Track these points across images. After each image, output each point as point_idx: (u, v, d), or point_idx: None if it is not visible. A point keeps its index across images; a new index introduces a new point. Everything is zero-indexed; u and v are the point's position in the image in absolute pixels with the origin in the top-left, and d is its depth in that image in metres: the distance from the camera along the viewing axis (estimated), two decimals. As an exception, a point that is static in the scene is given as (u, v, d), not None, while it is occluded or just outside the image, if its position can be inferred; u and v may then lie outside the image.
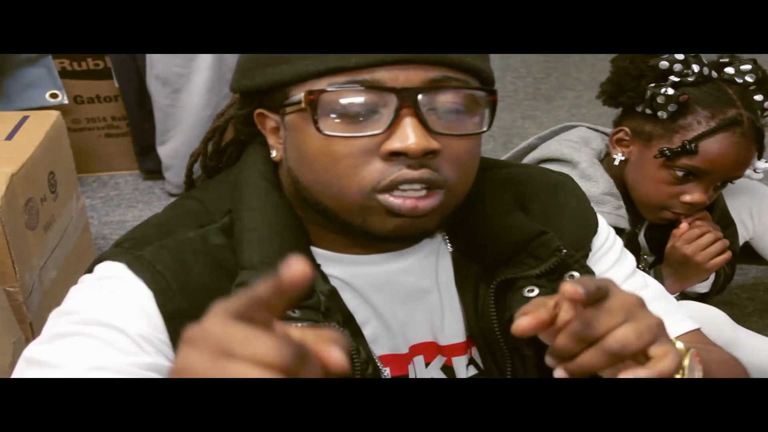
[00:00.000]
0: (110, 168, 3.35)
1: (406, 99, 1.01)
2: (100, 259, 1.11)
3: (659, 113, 1.77)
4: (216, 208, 1.14)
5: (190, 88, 2.92)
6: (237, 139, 1.25)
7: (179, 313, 1.05)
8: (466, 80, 1.06)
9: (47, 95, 2.80)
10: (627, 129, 1.84)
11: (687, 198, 1.78)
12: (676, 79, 1.75)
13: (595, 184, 1.80)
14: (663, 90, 1.75)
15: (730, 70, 1.81)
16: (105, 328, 1.02)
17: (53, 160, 2.25)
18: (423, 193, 1.04)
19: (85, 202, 2.99)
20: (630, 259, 1.30)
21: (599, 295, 0.89)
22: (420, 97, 1.02)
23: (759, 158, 1.81)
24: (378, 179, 1.03)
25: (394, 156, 1.02)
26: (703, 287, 2.03)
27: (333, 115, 1.03)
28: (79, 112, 3.19)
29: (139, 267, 1.07)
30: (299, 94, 1.04)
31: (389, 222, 1.05)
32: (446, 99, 1.04)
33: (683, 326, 1.26)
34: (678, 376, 0.99)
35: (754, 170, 1.83)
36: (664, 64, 1.76)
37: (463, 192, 1.10)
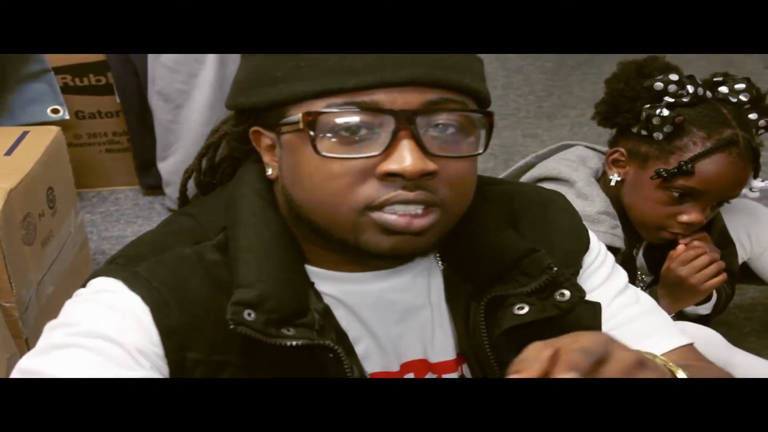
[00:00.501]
0: (111, 183, 3.36)
1: (404, 121, 1.02)
2: (94, 275, 1.11)
3: (655, 134, 1.76)
4: (210, 226, 1.15)
5: (191, 104, 2.92)
6: (231, 156, 1.25)
7: (176, 329, 1.05)
8: (464, 102, 1.06)
9: (49, 110, 2.81)
10: (623, 150, 1.84)
11: (684, 218, 1.78)
12: (671, 100, 1.75)
13: (591, 203, 1.80)
14: (658, 111, 1.75)
15: (724, 89, 1.81)
16: (101, 340, 1.02)
17: (52, 176, 2.25)
18: (419, 211, 1.04)
19: (85, 217, 2.99)
20: (622, 275, 1.30)
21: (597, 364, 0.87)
22: (418, 119, 1.02)
23: (755, 177, 1.81)
24: (373, 198, 1.03)
25: (390, 177, 1.02)
26: (705, 309, 2.02)
27: (330, 136, 1.03)
28: (81, 128, 3.20)
29: (135, 283, 1.07)
30: (297, 115, 1.04)
31: (385, 240, 1.05)
32: (443, 121, 1.05)
33: (675, 341, 1.25)
34: None
35: (750, 189, 1.83)
36: (659, 85, 1.76)
37: (460, 212, 1.11)
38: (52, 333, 1.06)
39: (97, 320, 1.04)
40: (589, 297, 1.20)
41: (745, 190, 1.82)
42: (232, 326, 1.02)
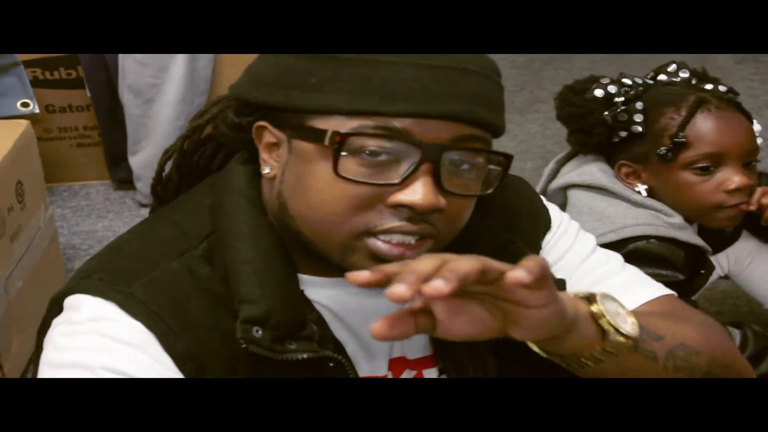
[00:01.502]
0: (81, 177, 3.33)
1: (430, 154, 1.00)
2: (72, 291, 1.07)
3: (633, 129, 1.76)
4: (193, 232, 1.11)
5: (162, 98, 2.91)
6: (213, 138, 1.21)
7: (188, 355, 1.03)
8: (486, 138, 1.05)
9: (18, 104, 2.80)
10: (626, 161, 1.81)
11: (731, 185, 1.73)
12: (621, 99, 1.75)
13: (671, 216, 1.78)
14: (621, 109, 1.75)
15: (662, 77, 1.82)
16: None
17: (21, 170, 2.24)
18: (413, 241, 1.03)
19: (56, 211, 2.98)
20: (588, 239, 1.30)
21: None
22: (444, 154, 1.01)
23: (752, 122, 1.79)
24: (375, 224, 1.02)
25: (400, 207, 1.01)
26: None
27: (353, 157, 1.00)
28: (51, 122, 3.18)
29: (134, 309, 1.03)
30: (321, 125, 1.01)
31: (371, 266, 1.04)
32: (467, 159, 1.03)
33: (648, 293, 1.25)
34: (601, 322, 0.99)
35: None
36: (599, 91, 1.76)
37: (448, 241, 1.09)
38: (67, 374, 1.00)
39: (117, 358, 1.00)
40: (554, 269, 1.20)
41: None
42: (243, 345, 1.01)
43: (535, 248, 1.24)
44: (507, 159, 1.06)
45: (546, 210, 1.28)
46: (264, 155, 1.10)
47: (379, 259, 1.02)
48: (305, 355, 1.04)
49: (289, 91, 1.04)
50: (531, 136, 3.41)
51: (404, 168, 1.00)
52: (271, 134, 1.08)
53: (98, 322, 1.02)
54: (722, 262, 2.05)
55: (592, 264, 1.27)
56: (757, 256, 2.02)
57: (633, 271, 1.31)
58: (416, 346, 1.19)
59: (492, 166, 1.06)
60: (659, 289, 1.27)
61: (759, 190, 1.78)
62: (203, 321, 1.05)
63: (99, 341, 1.01)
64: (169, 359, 1.01)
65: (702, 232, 1.85)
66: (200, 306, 1.05)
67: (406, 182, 1.00)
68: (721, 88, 1.80)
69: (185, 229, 1.12)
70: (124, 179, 3.24)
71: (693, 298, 1.85)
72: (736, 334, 1.74)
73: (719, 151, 1.72)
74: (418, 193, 1.00)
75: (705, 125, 1.72)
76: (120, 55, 2.89)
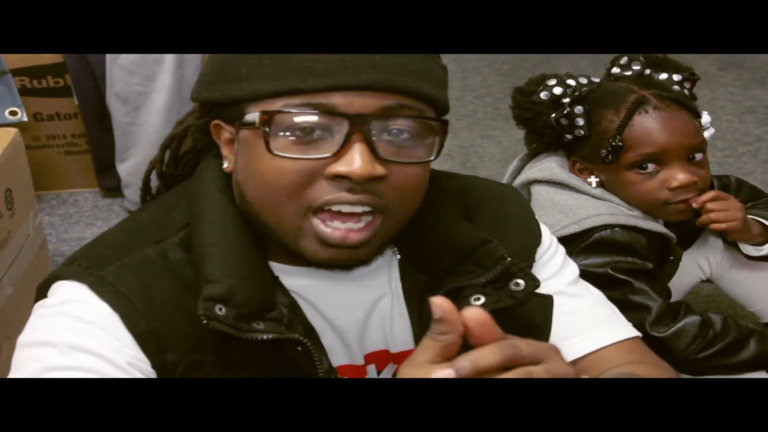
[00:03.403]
0: (69, 185, 3.34)
1: (358, 125, 1.03)
2: (55, 278, 1.11)
3: (576, 133, 1.78)
4: (171, 223, 1.15)
5: (149, 106, 2.92)
6: (194, 148, 1.26)
7: (150, 333, 1.06)
8: (420, 108, 1.07)
9: (6, 113, 2.79)
10: (577, 158, 1.84)
11: (673, 183, 1.75)
12: (567, 100, 1.77)
13: (632, 210, 1.81)
14: (565, 112, 1.77)
15: (615, 70, 1.83)
16: (94, 357, 1.03)
17: (10, 177, 2.25)
18: (361, 224, 1.06)
19: (44, 219, 2.98)
20: (572, 267, 1.33)
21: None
22: (372, 123, 1.03)
23: (698, 117, 1.80)
24: (316, 198, 1.05)
25: (338, 179, 1.04)
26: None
27: (284, 135, 1.04)
28: (39, 130, 3.19)
29: (102, 289, 1.07)
30: (255, 112, 1.06)
31: (322, 251, 1.07)
32: (398, 126, 1.06)
33: (621, 333, 1.28)
34: None
35: (703, 128, 1.81)
36: (544, 94, 1.78)
37: (406, 217, 1.12)
38: (34, 352, 1.05)
39: (80, 336, 1.04)
40: (541, 288, 1.23)
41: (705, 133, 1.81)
42: (204, 321, 1.03)
43: (529, 259, 1.25)
44: (443, 125, 1.09)
45: (539, 225, 1.31)
46: (224, 151, 1.15)
47: (325, 243, 1.06)
48: (270, 336, 1.06)
49: (226, 84, 1.09)
50: (516, 143, 3.42)
51: (337, 141, 1.04)
52: (225, 131, 1.13)
53: (66, 304, 1.07)
54: (704, 265, 2.07)
55: (576, 291, 1.30)
56: (737, 259, 2.04)
57: (610, 307, 1.34)
58: (399, 340, 1.21)
59: (437, 137, 1.09)
60: (628, 331, 1.30)
61: (710, 193, 1.80)
62: (169, 302, 1.08)
63: (64, 321, 1.06)
64: (130, 337, 1.05)
65: (666, 225, 1.87)
66: (168, 288, 1.09)
67: (340, 153, 1.03)
68: (675, 77, 1.81)
69: (165, 219, 1.16)
70: (112, 187, 3.25)
71: (675, 297, 1.87)
72: (717, 319, 1.76)
73: (658, 151, 1.73)
74: (352, 161, 1.03)
75: (643, 127, 1.73)
76: (107, 64, 2.89)
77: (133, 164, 3.02)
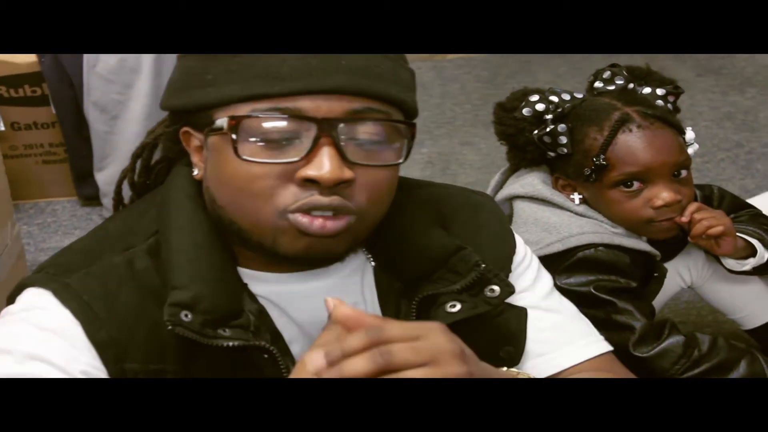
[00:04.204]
0: (48, 194, 3.32)
1: (326, 129, 1.03)
2: (23, 285, 1.12)
3: (559, 150, 1.77)
4: (140, 230, 1.15)
5: (127, 115, 2.91)
6: (166, 157, 1.26)
7: (109, 342, 1.06)
8: (388, 112, 1.08)
9: (-17, 122, 2.79)
10: (559, 175, 1.83)
11: (657, 202, 1.74)
12: (549, 116, 1.76)
13: (616, 227, 1.80)
14: (548, 130, 1.76)
15: (598, 84, 1.83)
16: (47, 366, 1.03)
17: (-13, 187, 2.24)
18: (336, 218, 1.06)
19: (22, 228, 2.97)
20: (546, 278, 1.33)
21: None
22: (340, 127, 1.04)
23: (682, 134, 1.79)
24: (291, 202, 1.05)
25: (308, 182, 1.04)
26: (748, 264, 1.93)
27: (253, 140, 1.04)
28: (17, 139, 3.17)
29: (66, 296, 1.07)
30: (222, 118, 1.06)
31: (298, 242, 1.07)
32: (366, 130, 1.06)
33: (594, 349, 1.29)
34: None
35: (687, 144, 1.80)
36: (527, 111, 1.77)
37: (375, 219, 1.12)
38: None
39: (36, 344, 1.04)
40: (516, 299, 1.23)
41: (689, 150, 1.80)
42: (170, 327, 1.03)
43: (504, 269, 1.25)
44: (411, 128, 1.10)
45: (513, 234, 1.31)
46: (194, 158, 1.15)
47: (304, 233, 1.06)
48: (236, 343, 1.06)
49: (192, 91, 1.09)
50: (495, 149, 3.41)
51: (306, 145, 1.04)
52: (194, 138, 1.13)
53: (29, 311, 1.08)
54: (684, 274, 2.07)
55: (549, 305, 1.30)
56: (717, 267, 2.04)
57: (583, 321, 1.35)
58: None
59: (405, 140, 1.09)
60: (601, 346, 1.30)
61: (693, 205, 1.79)
62: (131, 310, 1.08)
63: (24, 329, 1.06)
64: (89, 345, 1.05)
65: (649, 241, 1.86)
66: (131, 296, 1.09)
67: (309, 157, 1.04)
68: (659, 91, 1.80)
69: (134, 226, 1.16)
70: (90, 196, 3.24)
71: (655, 305, 1.87)
72: (705, 339, 1.75)
73: (643, 170, 1.73)
74: (321, 165, 1.03)
75: (627, 145, 1.72)
76: (85, 72, 2.88)
77: (111, 173, 3.00)
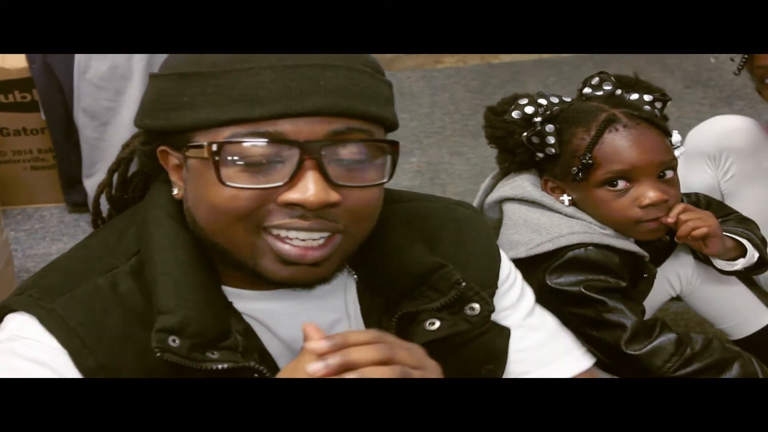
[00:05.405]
0: (36, 200, 3.32)
1: (309, 152, 1.02)
2: (6, 308, 1.11)
3: (547, 151, 1.79)
4: (122, 249, 1.14)
5: (117, 121, 2.90)
6: (142, 171, 1.25)
7: (98, 369, 1.06)
8: (370, 130, 1.07)
9: (-28, 128, 2.78)
10: (549, 177, 1.85)
11: (644, 201, 1.75)
12: (538, 119, 1.78)
13: (605, 228, 1.82)
14: (535, 131, 1.78)
15: (587, 90, 1.85)
16: None
17: (-25, 193, 2.23)
18: (320, 242, 1.06)
19: (10, 234, 2.96)
20: (529, 295, 1.33)
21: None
22: (323, 150, 1.03)
23: (669, 136, 1.81)
24: (266, 220, 1.05)
25: (291, 206, 1.03)
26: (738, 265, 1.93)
27: (235, 164, 1.03)
28: (5, 145, 3.16)
29: (52, 324, 1.07)
30: (202, 141, 1.04)
31: (282, 270, 1.07)
32: (349, 151, 1.06)
33: (577, 366, 1.31)
34: None
35: (673, 146, 1.82)
36: (516, 113, 1.79)
37: (363, 237, 1.12)
38: None
39: (23, 376, 1.04)
40: (499, 318, 1.23)
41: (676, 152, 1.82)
42: (158, 354, 1.02)
43: (491, 286, 1.26)
44: (394, 146, 1.09)
45: (498, 249, 1.31)
46: (173, 177, 1.14)
47: (285, 261, 1.06)
48: (225, 365, 1.05)
49: (169, 113, 1.07)
50: (485, 159, 3.43)
51: (289, 168, 1.03)
52: (173, 157, 1.12)
53: (14, 341, 1.07)
54: (673, 280, 2.08)
55: (533, 323, 1.31)
56: (707, 275, 2.05)
57: (566, 336, 1.36)
58: None
59: (388, 157, 1.09)
60: (580, 364, 1.32)
61: (680, 206, 1.81)
62: (119, 335, 1.08)
63: (10, 360, 1.06)
64: (77, 373, 1.05)
65: (637, 243, 1.87)
66: (118, 320, 1.08)
67: (293, 181, 1.03)
68: (646, 97, 1.82)
69: (116, 245, 1.15)
70: (78, 202, 3.23)
71: (645, 308, 1.88)
72: (698, 338, 1.76)
73: (629, 169, 1.75)
74: (305, 189, 1.02)
75: (613, 144, 1.74)
76: (75, 78, 2.88)
77: (100, 180, 2.96)
